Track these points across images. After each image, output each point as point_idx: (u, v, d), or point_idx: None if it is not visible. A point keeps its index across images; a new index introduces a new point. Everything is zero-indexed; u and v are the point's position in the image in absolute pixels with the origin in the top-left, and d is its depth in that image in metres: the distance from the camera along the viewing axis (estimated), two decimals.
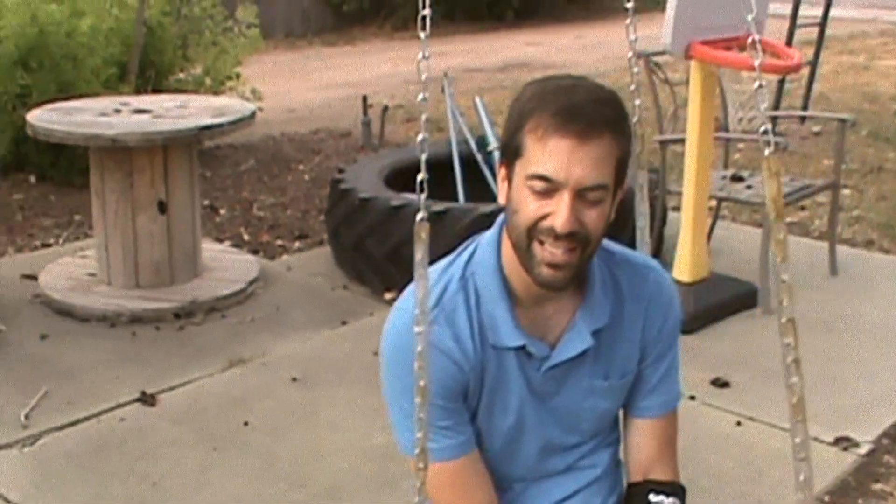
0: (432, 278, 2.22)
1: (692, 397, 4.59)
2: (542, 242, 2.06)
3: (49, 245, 6.86)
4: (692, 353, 5.02)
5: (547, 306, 2.23)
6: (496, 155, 6.63)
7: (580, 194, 2.03)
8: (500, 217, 2.23)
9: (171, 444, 4.28)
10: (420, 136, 1.86)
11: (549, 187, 2.03)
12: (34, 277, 5.99)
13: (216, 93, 8.80)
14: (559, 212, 2.02)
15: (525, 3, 18.49)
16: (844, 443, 4.25)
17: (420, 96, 1.87)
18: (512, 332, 2.20)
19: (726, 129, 6.08)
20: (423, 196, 1.86)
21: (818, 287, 5.88)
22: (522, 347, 2.22)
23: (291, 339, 5.28)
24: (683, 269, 5.48)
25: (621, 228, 2.49)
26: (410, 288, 2.13)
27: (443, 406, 2.20)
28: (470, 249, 2.29)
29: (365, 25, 17.94)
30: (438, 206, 5.48)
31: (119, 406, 4.57)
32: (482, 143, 6.82)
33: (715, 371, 4.84)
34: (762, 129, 1.94)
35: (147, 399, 4.62)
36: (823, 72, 10.32)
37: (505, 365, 2.24)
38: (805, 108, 9.34)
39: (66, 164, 7.94)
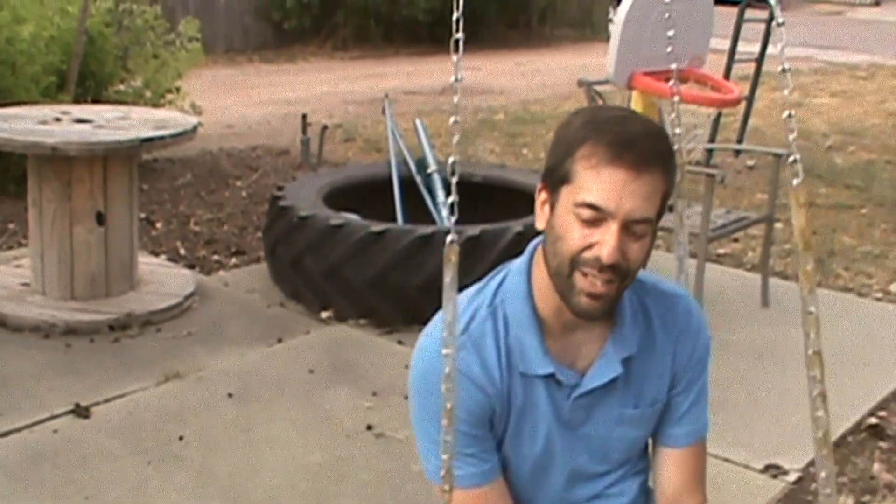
0: (461, 305, 2.19)
1: None
2: (584, 272, 2.05)
3: None
4: None
5: (577, 334, 2.22)
6: (435, 177, 6.66)
7: (627, 227, 2.02)
8: (531, 245, 2.24)
9: (106, 458, 4.25)
10: (451, 159, 1.85)
11: (598, 217, 2.01)
12: None
13: (156, 106, 8.74)
14: (606, 242, 2.01)
15: (465, 28, 18.51)
16: (774, 470, 4.31)
17: (451, 119, 1.88)
18: (541, 360, 2.19)
19: None
20: (453, 219, 1.86)
21: (751, 317, 5.97)
22: (551, 375, 2.21)
23: (227, 355, 5.27)
24: None
25: None
26: (439, 314, 2.10)
27: (467, 432, 2.18)
28: (500, 277, 2.28)
29: (305, 44, 17.93)
30: (377, 227, 5.52)
31: (52, 417, 4.53)
32: (422, 164, 6.84)
33: None
34: (791, 159, 1.96)
35: (81, 411, 4.58)
36: (758, 107, 10.45)
37: (533, 392, 2.23)
38: (740, 141, 9.45)
39: (1, 171, 7.85)
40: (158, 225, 7.51)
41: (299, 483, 4.10)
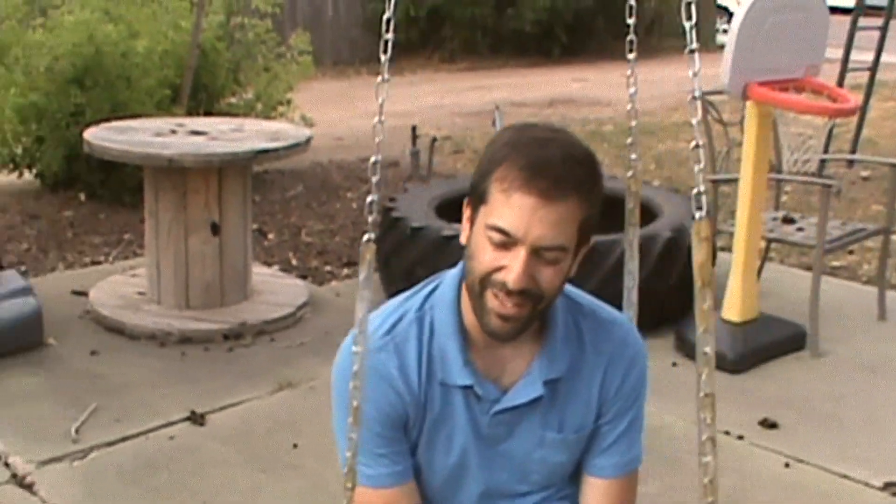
0: (391, 307, 2.25)
1: (740, 437, 4.57)
2: (494, 293, 2.04)
3: (99, 262, 6.92)
4: (740, 393, 5.02)
5: (504, 350, 2.19)
6: None
7: (537, 252, 1.99)
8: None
9: (221, 464, 4.30)
10: (372, 159, 1.93)
11: (507, 241, 1.99)
12: (84, 294, 6.04)
13: (267, 118, 8.86)
14: (512, 268, 1.99)
15: (572, 39, 18.54)
16: (893, 488, 4.22)
17: (375, 120, 1.92)
18: (461, 371, 2.18)
19: (779, 171, 6.08)
20: (372, 218, 1.91)
21: (867, 331, 5.85)
22: (470, 387, 2.19)
23: None
24: (733, 309, 5.46)
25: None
26: (374, 313, 2.15)
27: (380, 433, 2.19)
28: (433, 284, 2.27)
29: (412, 57, 17.99)
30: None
31: (168, 424, 4.60)
32: None
33: (763, 412, 4.79)
34: (694, 191, 1.86)
35: (196, 418, 4.65)
36: (870, 117, 10.28)
37: (451, 402, 2.22)
38: (853, 152, 9.31)
39: (117, 182, 8.01)
40: (271, 236, 7.59)
41: None
